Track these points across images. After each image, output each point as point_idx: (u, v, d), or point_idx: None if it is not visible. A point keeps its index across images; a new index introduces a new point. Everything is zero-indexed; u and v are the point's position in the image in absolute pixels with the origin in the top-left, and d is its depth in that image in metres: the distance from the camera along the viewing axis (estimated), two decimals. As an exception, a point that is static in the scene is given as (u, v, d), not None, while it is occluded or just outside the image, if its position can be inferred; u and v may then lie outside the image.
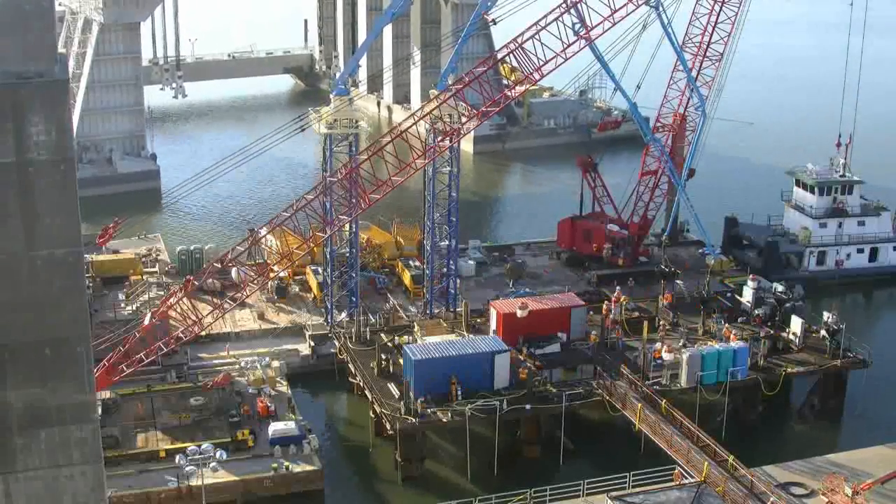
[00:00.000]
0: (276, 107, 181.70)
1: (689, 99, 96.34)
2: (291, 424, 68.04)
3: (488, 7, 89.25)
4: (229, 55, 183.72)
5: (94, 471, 18.79)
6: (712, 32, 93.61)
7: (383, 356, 74.21)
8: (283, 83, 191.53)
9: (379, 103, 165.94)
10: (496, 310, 77.91)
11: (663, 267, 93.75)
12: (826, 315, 79.10)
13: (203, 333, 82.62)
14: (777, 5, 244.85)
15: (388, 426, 68.02)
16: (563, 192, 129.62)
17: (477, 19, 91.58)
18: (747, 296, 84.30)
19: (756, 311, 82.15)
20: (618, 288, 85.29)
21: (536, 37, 74.92)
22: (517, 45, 75.14)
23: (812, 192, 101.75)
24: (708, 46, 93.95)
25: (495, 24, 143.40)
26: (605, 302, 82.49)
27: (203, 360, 79.23)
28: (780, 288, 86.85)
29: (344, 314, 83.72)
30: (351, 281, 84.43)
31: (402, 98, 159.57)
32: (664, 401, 67.24)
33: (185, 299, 72.62)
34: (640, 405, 67.03)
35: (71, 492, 18.66)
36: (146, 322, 71.93)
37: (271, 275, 79.31)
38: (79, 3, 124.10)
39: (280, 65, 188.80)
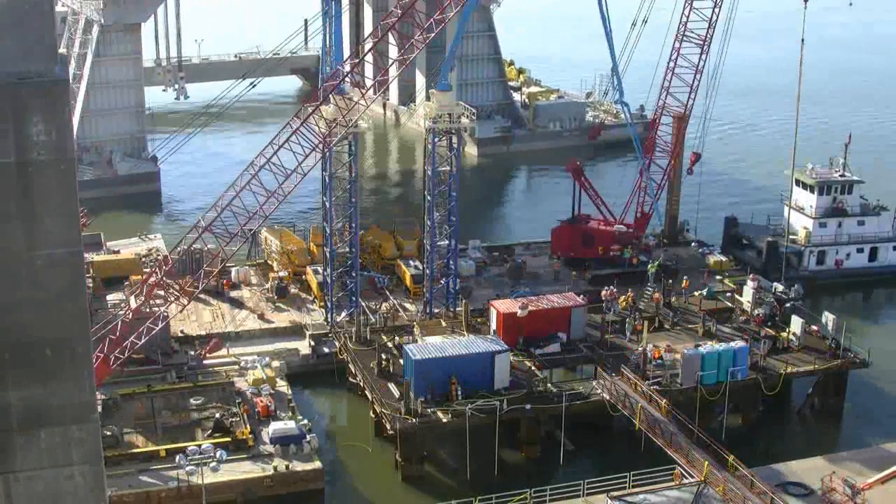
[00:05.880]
0: (283, 108, 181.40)
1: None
2: (291, 423, 68.07)
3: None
4: (235, 56, 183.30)
5: (94, 471, 18.77)
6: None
7: (383, 356, 74.27)
8: (290, 84, 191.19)
9: (385, 105, 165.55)
10: (496, 310, 77.94)
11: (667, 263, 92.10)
12: (826, 315, 79.07)
13: (204, 333, 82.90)
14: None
15: (388, 426, 68.06)
16: (565, 195, 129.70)
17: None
18: (747, 296, 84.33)
19: (756, 311, 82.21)
20: (611, 288, 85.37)
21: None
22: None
23: (812, 191, 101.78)
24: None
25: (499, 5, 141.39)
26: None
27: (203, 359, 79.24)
28: (779, 288, 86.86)
29: (344, 314, 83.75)
30: (351, 281, 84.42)
31: (408, 99, 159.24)
32: (664, 401, 67.32)
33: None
34: (640, 405, 67.10)
35: (71, 492, 18.67)
36: (133, 306, 71.88)
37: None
38: (80, 4, 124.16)
39: (287, 66, 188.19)
